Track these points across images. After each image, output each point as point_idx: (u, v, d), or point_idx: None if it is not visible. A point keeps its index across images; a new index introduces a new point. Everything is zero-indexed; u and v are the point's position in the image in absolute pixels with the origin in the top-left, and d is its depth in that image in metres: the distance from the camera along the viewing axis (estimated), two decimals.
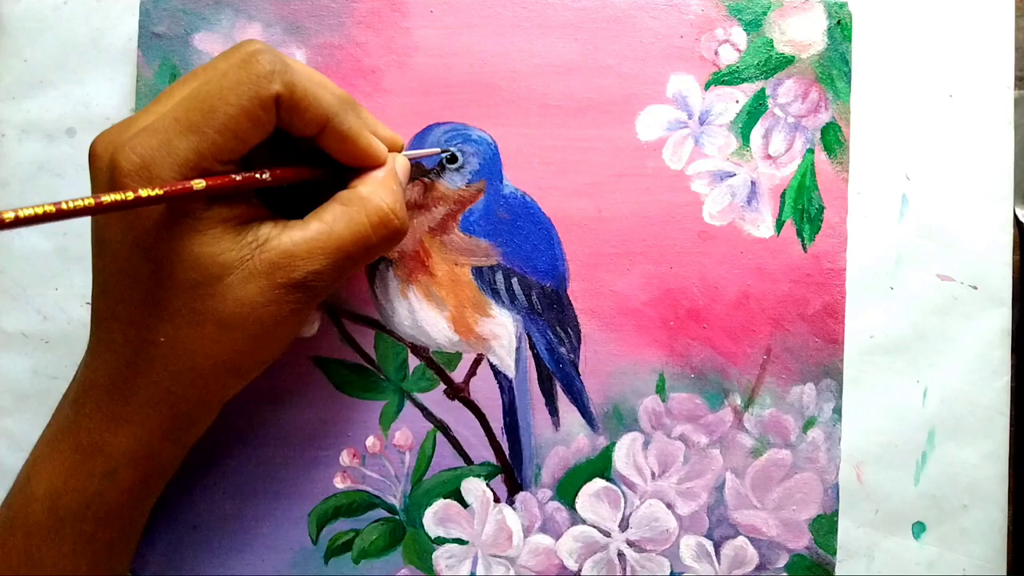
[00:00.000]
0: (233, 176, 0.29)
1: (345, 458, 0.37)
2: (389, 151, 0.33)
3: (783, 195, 0.37)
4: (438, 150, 0.36)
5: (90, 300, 0.35)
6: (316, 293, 0.30)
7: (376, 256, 0.32)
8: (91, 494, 0.30)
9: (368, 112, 0.33)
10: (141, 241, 0.29)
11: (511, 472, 0.37)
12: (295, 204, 0.32)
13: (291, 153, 0.32)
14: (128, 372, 0.30)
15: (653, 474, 0.37)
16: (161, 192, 0.27)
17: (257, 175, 0.29)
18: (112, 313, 0.30)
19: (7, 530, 0.30)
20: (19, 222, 0.24)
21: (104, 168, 0.28)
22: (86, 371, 0.31)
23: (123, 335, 0.30)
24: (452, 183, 0.37)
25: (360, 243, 0.30)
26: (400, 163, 0.33)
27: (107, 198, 0.26)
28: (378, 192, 0.31)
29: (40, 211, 0.24)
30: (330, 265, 0.30)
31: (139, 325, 0.29)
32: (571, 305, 0.37)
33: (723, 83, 0.37)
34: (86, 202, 0.25)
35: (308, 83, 0.29)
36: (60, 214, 0.25)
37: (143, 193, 0.26)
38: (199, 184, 0.27)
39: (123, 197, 0.26)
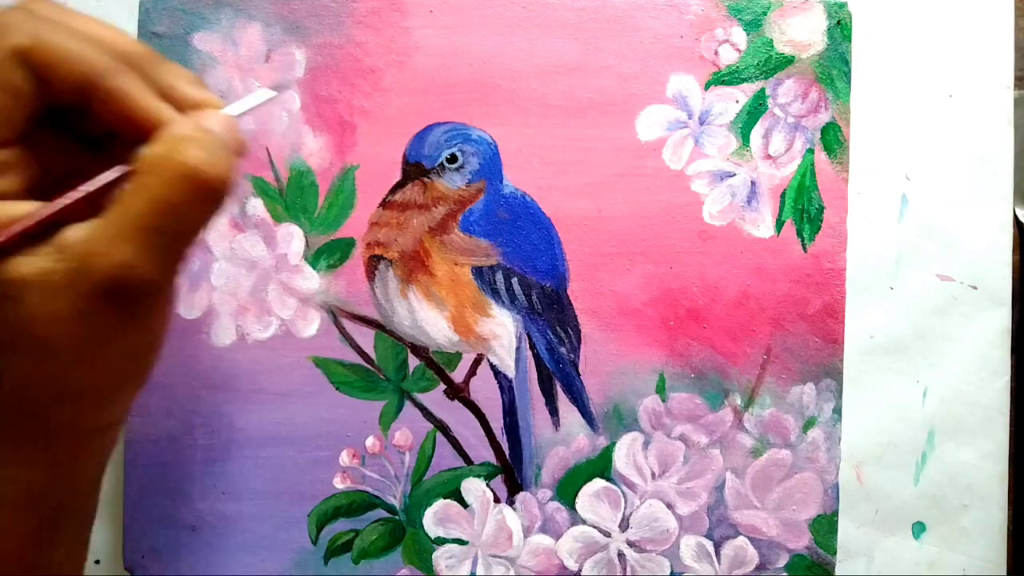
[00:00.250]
0: (26, 223, 0.24)
1: (345, 458, 0.37)
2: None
3: (783, 195, 0.37)
4: (267, 94, 0.30)
5: None
6: (138, 290, 0.25)
7: (199, 219, 0.26)
8: None
9: (178, 68, 0.28)
10: None
11: (511, 472, 0.37)
12: None
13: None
14: None
15: (653, 474, 0.37)
16: None
17: (50, 209, 0.25)
18: None
19: None
20: None
21: None
22: None
23: None
24: (452, 183, 0.37)
25: (163, 210, 0.25)
26: (214, 117, 0.27)
27: None
28: (172, 145, 0.25)
29: None
30: (137, 250, 0.24)
31: None
32: (571, 305, 0.37)
33: (723, 83, 0.37)
34: None
35: (67, 36, 0.25)
36: None
37: None
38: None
39: None
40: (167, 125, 0.26)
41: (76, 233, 0.25)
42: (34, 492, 0.27)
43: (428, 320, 0.37)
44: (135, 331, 0.26)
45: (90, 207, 0.25)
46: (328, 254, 0.37)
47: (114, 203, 0.25)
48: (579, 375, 0.37)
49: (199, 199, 0.25)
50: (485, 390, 0.37)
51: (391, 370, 0.37)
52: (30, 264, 0.24)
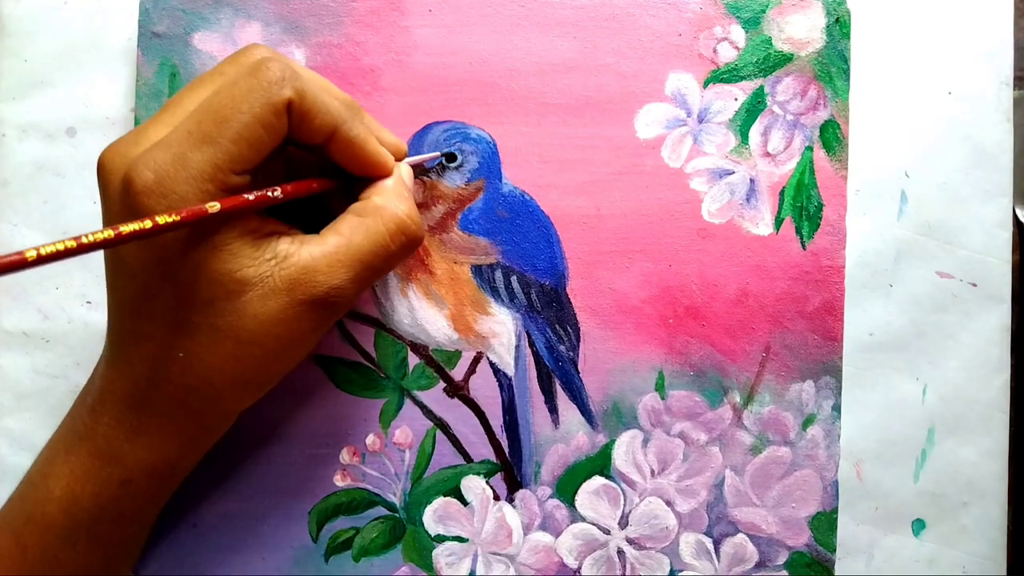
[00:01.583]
0: (246, 196, 0.28)
1: (345, 456, 0.37)
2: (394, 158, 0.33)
3: (782, 193, 0.37)
4: (438, 153, 0.36)
5: (90, 300, 0.35)
6: (337, 309, 0.30)
7: (395, 265, 0.32)
8: (107, 499, 0.30)
9: (371, 118, 0.33)
10: (160, 260, 0.28)
11: (511, 470, 0.37)
12: (306, 220, 0.32)
13: (296, 169, 0.32)
14: (146, 386, 0.30)
15: (652, 472, 0.37)
16: (178, 219, 0.27)
17: (269, 193, 0.29)
18: (130, 329, 0.30)
19: (24, 526, 0.31)
20: (41, 260, 0.24)
21: (116, 184, 0.28)
22: (103, 381, 0.31)
23: (141, 350, 0.30)
24: (451, 182, 0.37)
25: (380, 253, 0.30)
26: (406, 171, 0.33)
27: (126, 229, 0.26)
28: (392, 200, 0.31)
29: (61, 247, 0.24)
30: (351, 278, 0.30)
31: (158, 341, 0.29)
32: (570, 303, 0.37)
33: (722, 81, 0.37)
34: (106, 235, 0.25)
35: (318, 89, 0.29)
36: (81, 248, 0.25)
37: (160, 220, 0.26)
38: (213, 207, 0.27)
39: (141, 227, 0.26)
40: (384, 171, 0.32)
41: (291, 247, 0.29)
42: (167, 463, 0.31)
43: (428, 318, 0.37)
44: (314, 338, 0.31)
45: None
46: None
47: (336, 233, 0.30)
48: (578, 373, 0.37)
49: (405, 249, 0.31)
50: (485, 388, 0.37)
51: (391, 368, 0.37)
52: (254, 267, 0.29)
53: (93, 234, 0.25)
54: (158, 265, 0.28)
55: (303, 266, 0.29)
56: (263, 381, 0.32)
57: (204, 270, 0.28)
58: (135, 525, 0.32)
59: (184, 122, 0.28)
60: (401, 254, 0.31)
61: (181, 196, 0.27)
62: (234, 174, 0.28)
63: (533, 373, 0.37)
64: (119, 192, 0.28)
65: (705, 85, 0.37)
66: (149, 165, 0.27)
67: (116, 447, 0.30)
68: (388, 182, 0.32)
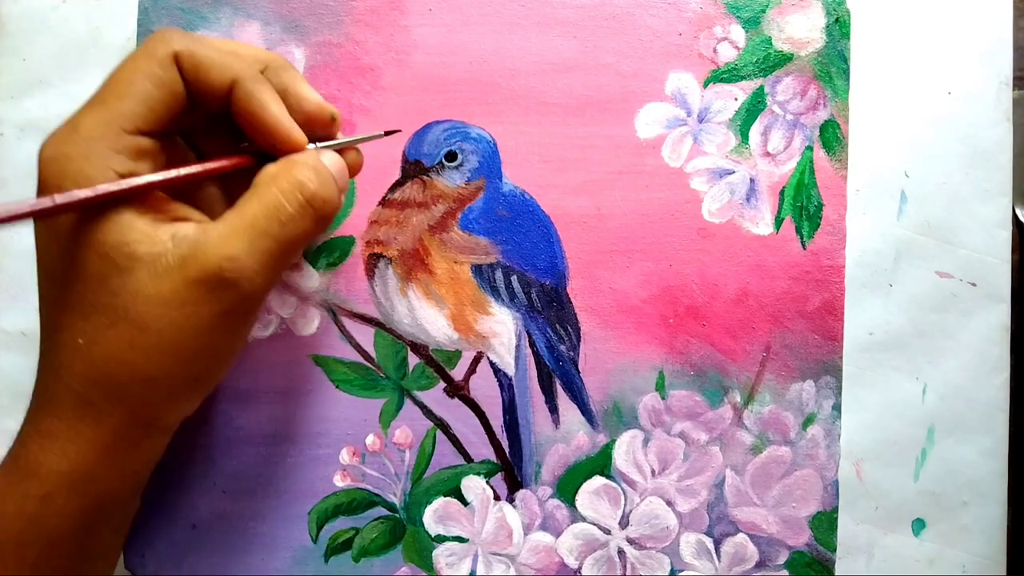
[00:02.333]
0: (119, 187, 0.28)
1: (345, 456, 0.37)
2: (321, 127, 0.31)
3: (782, 192, 0.37)
4: (378, 133, 0.34)
5: None
6: (238, 287, 0.28)
7: (303, 233, 0.29)
8: (29, 517, 0.28)
9: (295, 75, 0.31)
10: (55, 236, 0.28)
11: (511, 470, 0.37)
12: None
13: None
14: (49, 379, 0.29)
15: (653, 471, 0.37)
16: (56, 203, 0.26)
17: (150, 180, 0.28)
18: (42, 319, 0.29)
19: None
20: None
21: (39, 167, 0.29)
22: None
23: (46, 339, 0.29)
24: (451, 181, 0.37)
25: (274, 216, 0.28)
26: (330, 156, 0.31)
27: (8, 209, 0.26)
28: (292, 166, 0.29)
29: None
30: (245, 247, 0.28)
31: (56, 325, 0.28)
32: (570, 303, 0.37)
33: (722, 81, 0.37)
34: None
35: (213, 47, 0.29)
36: None
37: (38, 207, 0.26)
38: (104, 188, 0.27)
39: (21, 210, 0.26)
40: (289, 142, 0.30)
41: (191, 229, 0.28)
42: (86, 475, 0.29)
43: (428, 318, 0.37)
44: (223, 330, 0.29)
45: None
46: (328, 252, 0.37)
47: (232, 207, 0.28)
48: (579, 373, 0.37)
49: (307, 213, 0.29)
50: (485, 388, 0.37)
51: (391, 368, 0.37)
52: (147, 244, 0.27)
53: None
54: (54, 240, 0.28)
55: (193, 240, 0.28)
56: (174, 382, 0.29)
57: (93, 242, 0.27)
58: (71, 552, 0.30)
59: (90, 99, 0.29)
60: (303, 218, 0.29)
61: (74, 158, 0.27)
62: (126, 133, 0.28)
63: (533, 373, 0.37)
64: (39, 174, 0.28)
65: (705, 85, 0.37)
66: (50, 139, 0.28)
67: (32, 457, 0.28)
68: (296, 155, 0.30)
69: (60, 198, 0.27)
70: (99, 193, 0.27)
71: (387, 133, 0.35)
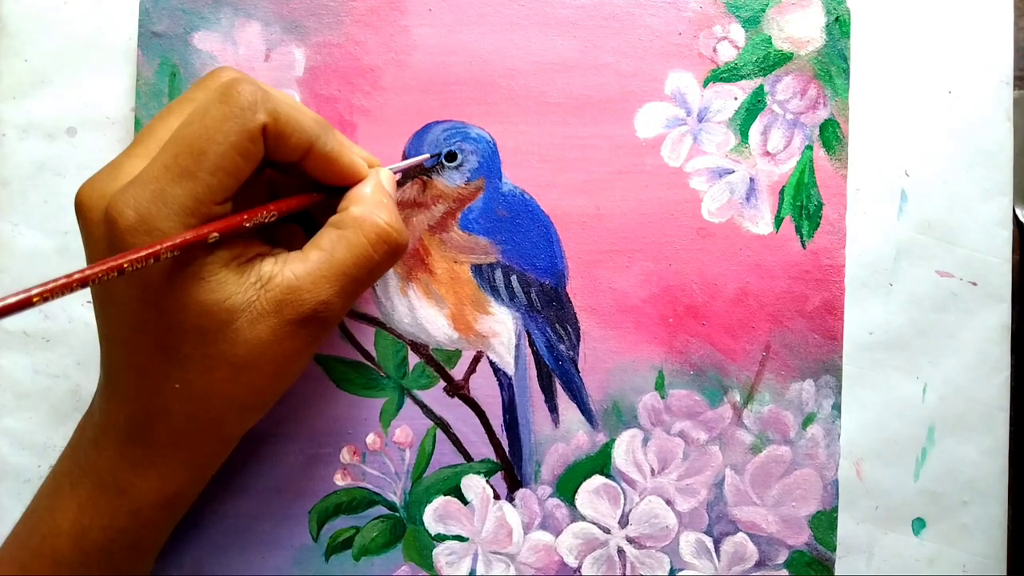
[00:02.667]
0: (244, 223, 0.29)
1: (345, 455, 0.37)
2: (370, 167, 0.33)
3: (782, 192, 0.37)
4: (423, 157, 0.36)
5: (90, 299, 0.35)
6: (327, 323, 0.30)
7: (381, 274, 0.32)
8: (117, 530, 0.30)
9: (341, 134, 0.33)
10: (146, 294, 0.28)
11: (511, 469, 0.37)
12: (289, 239, 0.32)
13: (274, 187, 0.32)
14: (145, 418, 0.30)
15: (653, 471, 0.37)
16: (178, 252, 0.27)
17: (263, 214, 0.29)
18: (123, 363, 0.30)
19: (31, 560, 0.31)
20: (46, 298, 0.24)
21: (97, 222, 0.28)
22: (103, 415, 0.31)
23: (137, 383, 0.30)
24: (451, 181, 0.37)
25: (363, 264, 0.30)
26: (385, 176, 0.33)
27: (126, 262, 0.26)
28: (371, 209, 0.31)
29: (68, 281, 0.25)
30: (337, 292, 0.30)
31: (152, 374, 0.29)
32: (570, 302, 0.37)
33: (721, 80, 0.37)
34: (107, 267, 0.25)
35: (289, 109, 0.29)
36: (85, 281, 0.25)
37: (163, 254, 0.26)
38: (214, 237, 0.28)
39: (144, 254, 0.26)
40: (360, 187, 0.31)
41: (274, 267, 0.29)
42: (176, 491, 0.31)
43: (428, 318, 0.37)
44: (309, 354, 0.31)
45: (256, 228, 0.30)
46: None
47: (317, 248, 0.30)
48: (578, 372, 0.37)
49: (389, 258, 0.31)
50: (485, 387, 0.37)
51: (391, 367, 0.37)
52: (241, 295, 0.28)
53: (98, 266, 0.25)
54: (144, 299, 0.28)
55: (287, 286, 0.29)
56: (264, 402, 0.32)
57: (191, 302, 0.28)
58: (145, 552, 0.32)
59: (159, 155, 0.28)
60: (385, 263, 0.31)
61: (164, 232, 0.27)
62: (215, 204, 0.28)
63: (533, 372, 0.37)
64: (101, 230, 0.28)
65: (705, 84, 0.37)
66: (129, 203, 0.27)
67: (123, 479, 0.30)
68: (366, 190, 0.31)
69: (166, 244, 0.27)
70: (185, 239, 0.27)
71: (429, 157, 0.36)
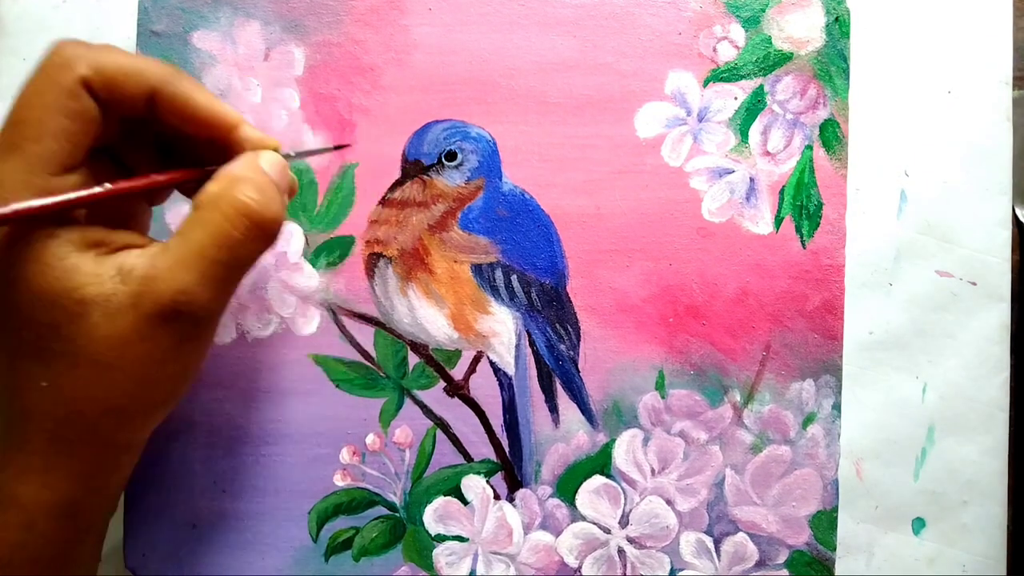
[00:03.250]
0: (69, 200, 0.26)
1: (345, 455, 0.37)
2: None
3: (782, 192, 0.37)
4: (329, 147, 0.35)
5: None
6: (196, 320, 0.27)
7: (250, 257, 0.29)
8: (12, 545, 0.28)
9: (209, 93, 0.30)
10: None
11: (511, 469, 0.37)
12: None
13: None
14: (20, 420, 0.28)
15: (653, 471, 0.37)
16: None
17: (96, 189, 0.27)
18: None
19: None
20: None
21: None
22: None
23: (5, 384, 0.28)
24: (451, 180, 0.37)
25: (221, 243, 0.27)
26: (267, 156, 0.29)
27: None
28: (232, 184, 0.28)
29: None
30: (196, 279, 0.27)
31: (17, 372, 0.27)
32: (570, 302, 0.37)
33: (722, 80, 0.37)
34: None
35: (120, 57, 0.27)
36: None
37: None
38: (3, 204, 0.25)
39: None
40: (228, 165, 0.28)
41: (137, 259, 0.27)
42: (68, 501, 0.28)
43: (428, 317, 0.37)
44: (184, 354, 0.28)
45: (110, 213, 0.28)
46: (328, 252, 0.37)
47: (176, 234, 0.27)
48: (578, 372, 0.37)
49: (253, 235, 0.28)
50: (485, 387, 0.37)
51: (391, 368, 0.37)
52: (95, 285, 0.26)
53: None
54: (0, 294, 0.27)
55: (143, 276, 0.26)
56: (143, 407, 0.29)
57: (37, 292, 0.26)
58: (51, 568, 0.29)
59: None
60: (251, 243, 0.28)
61: None
62: (51, 175, 0.26)
63: (533, 372, 0.37)
64: None
65: (705, 84, 0.37)
66: None
67: (10, 490, 0.28)
68: (234, 167, 0.28)
69: None
70: (22, 209, 0.25)
71: (337, 147, 0.35)
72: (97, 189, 0.27)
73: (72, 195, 0.26)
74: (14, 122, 0.26)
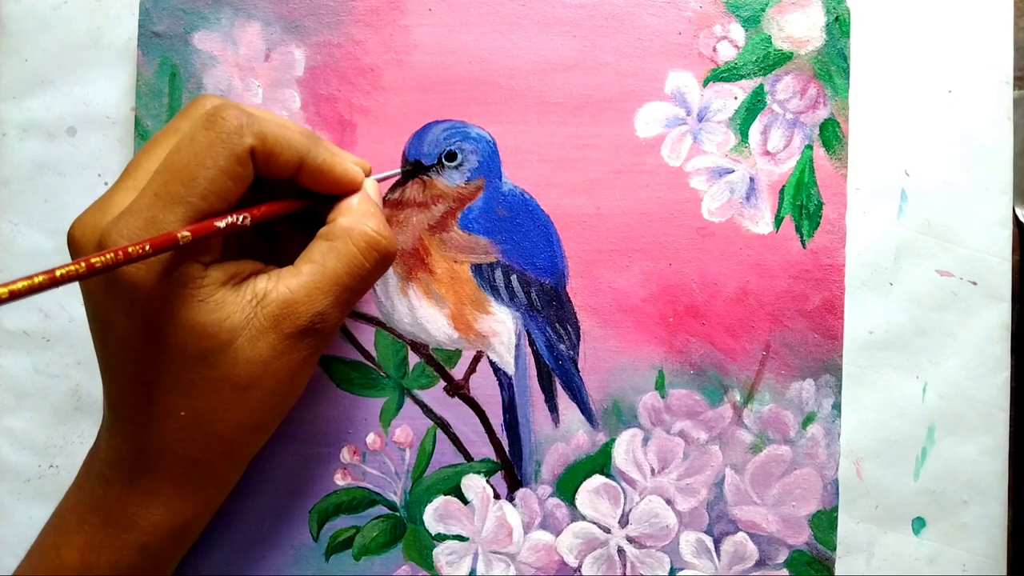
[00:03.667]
0: (216, 224, 0.28)
1: (346, 455, 0.37)
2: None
3: (782, 191, 0.37)
4: (397, 172, 0.36)
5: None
6: (324, 334, 0.30)
7: (373, 282, 0.32)
8: (125, 566, 0.30)
9: (330, 143, 0.33)
10: (146, 323, 0.28)
11: (511, 469, 0.37)
12: (285, 255, 0.32)
13: (264, 197, 0.32)
14: (153, 449, 0.30)
15: (653, 470, 0.37)
16: (148, 248, 0.26)
17: (237, 219, 0.29)
18: (126, 394, 0.30)
19: None
20: (12, 297, 0.23)
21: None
22: (109, 449, 0.31)
23: (141, 414, 0.30)
24: (451, 181, 0.37)
25: (355, 273, 0.30)
26: (371, 186, 0.33)
27: (96, 259, 0.25)
28: (359, 219, 0.31)
29: (35, 282, 0.24)
30: (331, 302, 0.30)
31: (157, 404, 0.29)
32: (570, 302, 0.37)
33: (721, 80, 0.37)
34: (76, 267, 0.25)
35: (276, 128, 0.29)
36: (53, 282, 0.24)
37: (131, 250, 0.26)
38: (184, 235, 0.27)
39: (112, 257, 0.25)
40: (355, 186, 0.32)
41: (268, 284, 0.30)
42: (184, 523, 0.31)
43: (428, 317, 0.37)
44: (310, 367, 0.31)
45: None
46: None
47: (308, 261, 0.30)
48: (578, 372, 0.37)
49: (380, 266, 0.31)
50: (485, 387, 0.37)
51: (391, 367, 0.37)
52: (239, 313, 0.29)
53: (65, 267, 0.25)
54: (145, 328, 0.28)
55: (283, 300, 0.29)
56: (269, 422, 0.32)
57: (192, 324, 0.28)
58: None
59: (149, 184, 0.28)
60: (376, 271, 0.31)
61: (158, 260, 0.27)
62: None
63: (533, 372, 0.37)
64: None
65: (705, 84, 0.37)
66: (123, 233, 0.27)
67: (131, 513, 0.30)
68: (353, 200, 0.32)
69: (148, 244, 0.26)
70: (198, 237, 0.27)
71: (406, 173, 0.37)
72: (246, 219, 0.29)
73: (223, 222, 0.28)
74: (185, 178, 0.28)
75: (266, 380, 0.30)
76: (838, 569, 0.37)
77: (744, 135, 0.37)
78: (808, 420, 0.37)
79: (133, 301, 0.28)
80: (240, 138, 0.28)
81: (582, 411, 0.37)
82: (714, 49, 0.37)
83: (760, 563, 0.37)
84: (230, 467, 0.32)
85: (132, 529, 0.30)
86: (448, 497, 0.37)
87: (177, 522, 0.31)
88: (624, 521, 0.37)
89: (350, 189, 0.32)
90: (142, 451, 0.30)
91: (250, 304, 0.29)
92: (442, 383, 0.37)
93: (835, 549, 0.37)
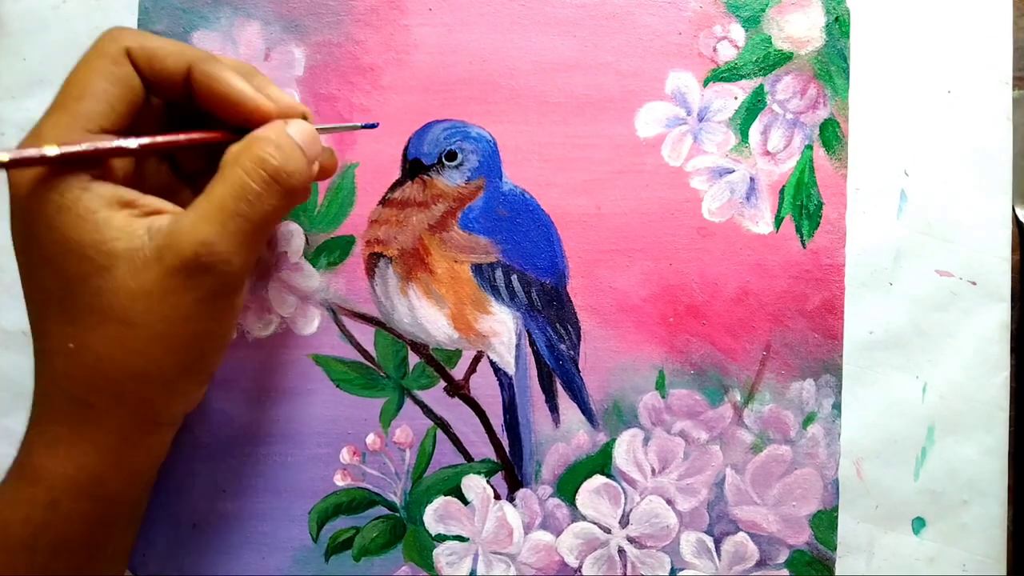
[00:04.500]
0: (89, 146, 0.28)
1: (345, 455, 0.37)
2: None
3: (782, 191, 0.37)
4: (355, 124, 0.35)
5: None
6: (219, 273, 0.28)
7: (272, 209, 0.29)
8: (37, 524, 0.28)
9: (271, 84, 0.32)
10: (28, 233, 0.28)
11: (511, 469, 0.37)
12: None
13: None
14: (46, 385, 0.29)
15: (653, 470, 0.37)
16: (7, 159, 0.26)
17: (120, 144, 0.28)
18: (33, 326, 0.30)
19: None
20: None
21: None
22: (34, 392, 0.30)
23: (40, 347, 0.29)
24: (451, 180, 0.37)
25: (241, 196, 0.28)
26: (297, 127, 0.30)
27: None
28: (254, 143, 0.29)
29: None
30: (217, 230, 0.28)
31: (45, 332, 0.29)
32: (571, 302, 0.37)
33: (722, 80, 0.37)
34: None
35: (164, 40, 0.30)
36: None
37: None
38: (51, 148, 0.27)
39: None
40: (258, 111, 0.30)
41: (165, 220, 0.28)
42: (93, 478, 0.29)
43: (428, 317, 0.37)
44: (208, 316, 0.29)
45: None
46: (328, 252, 0.37)
47: (201, 195, 0.28)
48: (579, 372, 0.37)
49: (272, 189, 0.29)
50: (485, 387, 0.37)
51: (391, 367, 0.37)
52: (125, 240, 0.27)
53: None
54: (32, 245, 0.28)
55: (167, 231, 0.28)
56: (168, 375, 0.29)
57: (69, 242, 0.27)
58: (79, 557, 0.30)
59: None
60: (270, 194, 0.29)
61: (40, 171, 0.28)
62: (90, 133, 0.28)
63: (534, 372, 0.37)
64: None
65: (705, 84, 0.37)
66: (10, 147, 0.28)
67: (38, 463, 0.29)
68: (258, 130, 0.30)
69: (24, 152, 0.27)
70: (68, 152, 0.27)
71: (364, 126, 0.35)
72: (130, 142, 0.29)
73: (107, 143, 0.28)
74: (63, 87, 0.29)
75: (152, 320, 0.27)
76: (838, 569, 0.37)
77: (744, 135, 0.37)
78: (808, 420, 0.37)
79: (16, 210, 0.28)
80: (115, 40, 0.29)
81: (582, 411, 0.37)
82: (714, 49, 0.37)
83: (760, 563, 0.37)
84: (129, 420, 0.29)
85: (39, 483, 0.28)
86: (448, 497, 0.37)
87: (83, 477, 0.29)
88: (624, 521, 0.37)
89: (256, 117, 0.30)
90: (41, 390, 0.29)
91: (141, 236, 0.28)
92: (442, 383, 0.37)
93: (835, 549, 0.37)
